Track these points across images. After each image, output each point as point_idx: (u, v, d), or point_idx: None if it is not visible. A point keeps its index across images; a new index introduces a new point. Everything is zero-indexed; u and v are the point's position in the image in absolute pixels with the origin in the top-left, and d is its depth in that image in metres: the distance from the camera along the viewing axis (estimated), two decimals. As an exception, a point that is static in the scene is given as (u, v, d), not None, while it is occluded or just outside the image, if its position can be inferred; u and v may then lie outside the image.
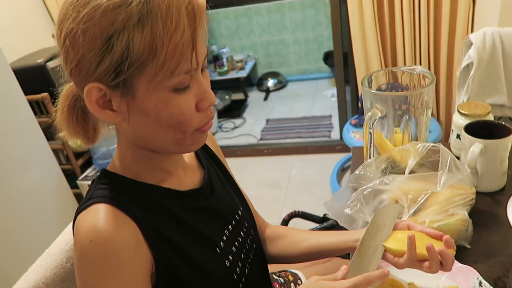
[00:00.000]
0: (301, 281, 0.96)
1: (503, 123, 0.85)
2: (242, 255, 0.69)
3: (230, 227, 0.69)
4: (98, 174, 0.62)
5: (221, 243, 0.66)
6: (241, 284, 0.67)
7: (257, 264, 0.76)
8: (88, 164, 2.32)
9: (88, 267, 0.52)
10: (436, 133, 1.96)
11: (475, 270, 0.68)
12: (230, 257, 0.66)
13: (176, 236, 0.59)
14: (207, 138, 0.79)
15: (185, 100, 0.52)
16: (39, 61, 1.97)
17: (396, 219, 0.66)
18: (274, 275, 0.95)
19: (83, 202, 0.56)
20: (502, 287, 0.67)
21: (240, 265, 0.68)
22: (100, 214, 0.53)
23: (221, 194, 0.71)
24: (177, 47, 0.47)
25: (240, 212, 0.74)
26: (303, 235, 0.82)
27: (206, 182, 0.69)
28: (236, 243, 0.69)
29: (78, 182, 2.20)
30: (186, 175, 0.67)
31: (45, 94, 1.94)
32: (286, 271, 0.99)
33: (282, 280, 0.94)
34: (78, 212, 0.55)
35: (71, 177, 2.14)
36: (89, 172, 2.25)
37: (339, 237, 0.74)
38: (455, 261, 0.70)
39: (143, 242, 0.55)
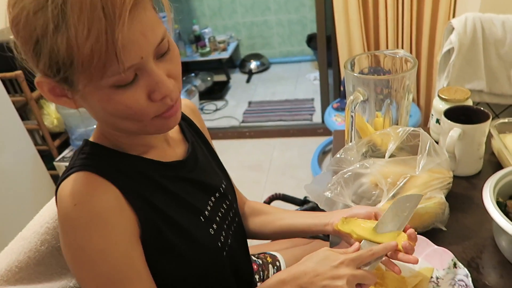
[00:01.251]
0: (279, 262, 0.97)
1: (482, 108, 0.86)
2: (225, 226, 0.71)
3: (213, 199, 0.70)
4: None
5: (206, 212, 0.67)
6: (225, 253, 0.68)
7: (239, 236, 0.77)
8: (65, 145, 2.25)
9: (74, 231, 0.53)
10: (415, 118, 1.99)
11: (450, 252, 0.70)
12: (214, 226, 0.67)
13: (160, 202, 0.60)
14: (195, 116, 0.79)
15: (130, 95, 0.49)
16: (11, 37, 1.87)
17: (415, 208, 0.65)
18: (253, 257, 0.96)
19: (65, 172, 0.57)
20: (476, 267, 0.69)
21: (223, 234, 0.69)
22: (82, 180, 0.54)
23: (205, 167, 0.72)
24: (94, 53, 0.44)
25: (223, 185, 0.75)
26: (279, 214, 0.84)
27: (190, 154, 0.69)
28: (219, 214, 0.70)
29: (55, 163, 2.15)
30: (169, 147, 0.68)
31: (19, 72, 1.86)
32: (265, 253, 1.00)
33: (261, 261, 0.95)
34: (60, 182, 0.56)
35: (47, 158, 2.08)
36: (66, 153, 2.20)
37: (311, 219, 0.76)
38: (431, 243, 0.72)
39: (126, 205, 0.56)
